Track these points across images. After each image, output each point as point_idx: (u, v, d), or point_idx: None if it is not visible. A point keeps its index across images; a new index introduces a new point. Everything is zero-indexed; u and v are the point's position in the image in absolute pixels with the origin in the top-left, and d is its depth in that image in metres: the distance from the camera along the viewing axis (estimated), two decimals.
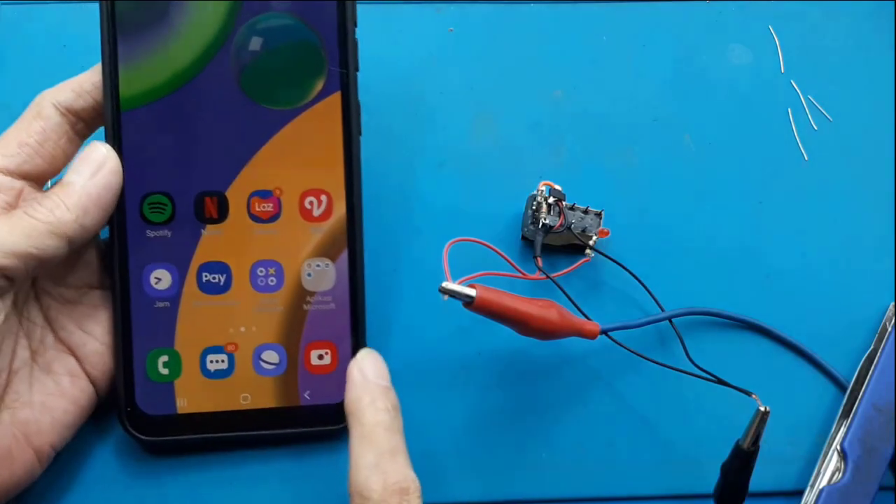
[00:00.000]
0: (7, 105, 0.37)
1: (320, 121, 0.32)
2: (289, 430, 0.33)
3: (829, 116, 0.40)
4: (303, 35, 0.32)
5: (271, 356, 0.33)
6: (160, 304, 0.32)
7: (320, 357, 0.33)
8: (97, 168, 0.30)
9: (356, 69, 0.32)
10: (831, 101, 0.40)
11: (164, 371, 0.32)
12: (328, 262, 0.33)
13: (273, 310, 0.33)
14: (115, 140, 0.31)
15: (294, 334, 0.33)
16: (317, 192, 0.33)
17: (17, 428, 0.30)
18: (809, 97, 0.40)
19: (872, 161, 0.40)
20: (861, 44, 0.41)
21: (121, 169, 0.31)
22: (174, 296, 0.32)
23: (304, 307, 0.33)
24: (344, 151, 0.33)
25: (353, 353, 0.33)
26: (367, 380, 0.31)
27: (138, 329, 0.32)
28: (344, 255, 0.33)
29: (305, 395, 0.33)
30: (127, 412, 0.32)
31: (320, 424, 0.34)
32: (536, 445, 0.36)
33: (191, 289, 0.32)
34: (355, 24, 0.32)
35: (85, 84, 0.31)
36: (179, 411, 0.32)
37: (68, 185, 0.30)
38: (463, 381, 0.36)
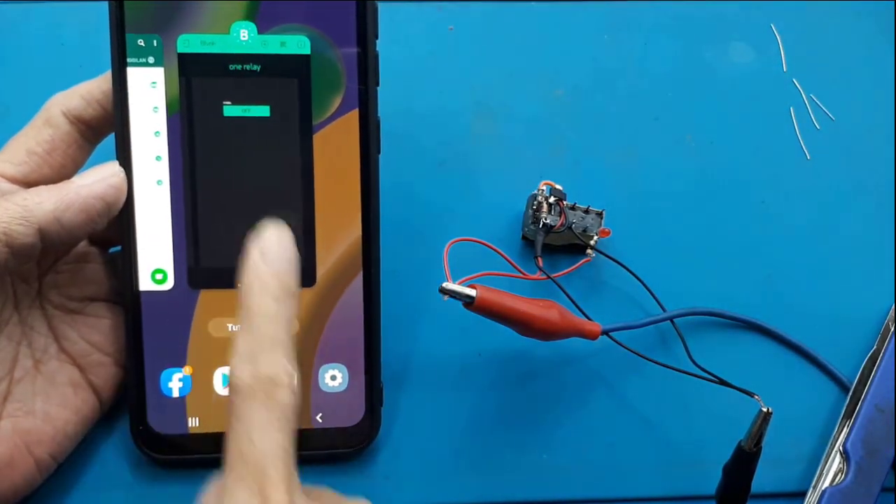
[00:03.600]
0: (5, 103, 0.36)
1: (337, 139, 0.32)
2: (301, 453, 0.33)
3: (831, 115, 0.40)
4: (319, 48, 0.31)
5: None
6: (172, 324, 0.32)
7: (333, 378, 0.33)
8: (101, 178, 0.29)
9: (376, 84, 0.31)
10: (833, 100, 0.40)
11: (176, 390, 0.32)
12: (344, 283, 0.32)
13: None
14: (125, 157, 0.31)
15: (307, 355, 0.33)
16: None
17: (19, 437, 0.30)
18: (812, 96, 0.40)
19: (874, 160, 0.40)
20: (863, 43, 0.41)
21: (124, 187, 0.30)
22: (187, 315, 0.32)
23: (318, 329, 0.33)
24: (361, 171, 0.32)
25: (367, 373, 0.33)
26: (265, 263, 0.27)
27: (150, 348, 0.32)
28: (359, 277, 0.32)
29: (317, 419, 0.33)
30: (139, 430, 0.32)
31: (332, 448, 0.33)
32: (537, 446, 0.36)
33: (203, 308, 0.32)
34: (376, 36, 0.31)
35: (95, 91, 0.30)
36: (191, 431, 0.32)
37: (65, 182, 0.29)
38: (463, 381, 0.36)
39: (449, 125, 0.38)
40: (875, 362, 0.36)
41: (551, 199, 0.35)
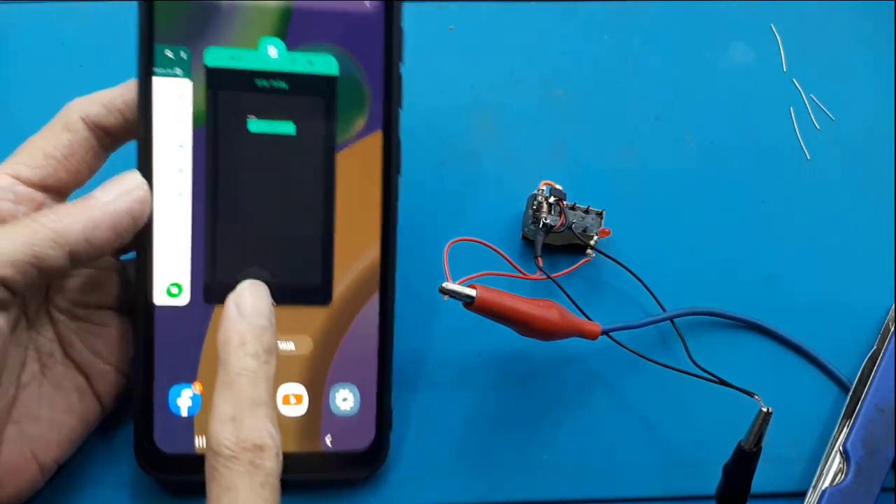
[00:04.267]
0: (5, 103, 0.36)
1: (359, 159, 0.31)
2: (310, 476, 0.32)
3: (831, 115, 0.40)
4: (346, 69, 0.31)
5: (295, 396, 0.32)
6: (185, 339, 0.31)
7: (344, 399, 0.32)
8: (125, 192, 0.29)
9: (399, 107, 0.31)
10: (833, 100, 0.40)
11: (185, 409, 0.31)
12: (360, 302, 0.32)
13: (299, 350, 0.32)
14: (147, 168, 0.30)
15: (319, 374, 0.32)
16: None
17: (25, 443, 0.30)
18: (811, 96, 0.40)
19: (874, 160, 0.40)
20: (863, 43, 0.41)
21: (149, 201, 0.29)
22: (200, 330, 0.31)
23: (331, 348, 0.32)
24: (382, 192, 0.32)
25: (379, 396, 0.32)
26: (242, 317, 0.27)
27: (161, 363, 0.31)
28: (375, 298, 0.32)
29: (327, 441, 0.32)
30: (143, 449, 0.31)
31: (342, 471, 0.33)
32: (537, 446, 0.36)
33: (217, 323, 0.31)
34: (401, 60, 0.31)
35: (117, 101, 0.30)
36: (197, 451, 0.31)
37: (89, 198, 0.28)
38: (463, 381, 0.36)
39: (449, 125, 0.38)
40: (875, 362, 0.36)
41: (551, 199, 0.35)
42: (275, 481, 0.25)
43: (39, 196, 0.30)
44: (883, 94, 0.40)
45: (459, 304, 0.31)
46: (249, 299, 0.28)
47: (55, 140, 0.30)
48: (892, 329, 0.37)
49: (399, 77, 0.31)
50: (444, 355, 0.36)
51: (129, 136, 0.31)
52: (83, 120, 0.30)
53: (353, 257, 0.32)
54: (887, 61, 0.41)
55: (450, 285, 0.30)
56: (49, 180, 0.30)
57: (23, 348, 0.30)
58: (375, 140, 0.31)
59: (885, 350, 0.36)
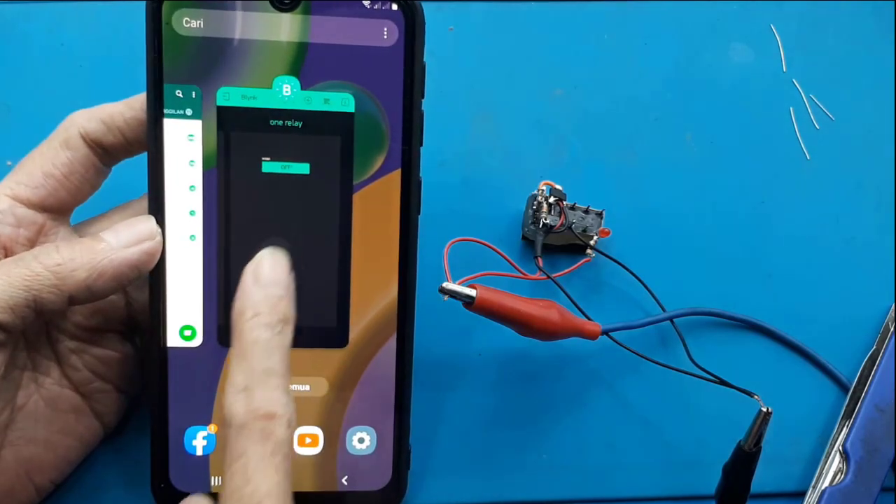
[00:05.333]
0: (6, 103, 0.36)
1: (377, 199, 0.30)
2: None
3: (831, 115, 0.40)
4: (363, 106, 0.30)
5: (310, 437, 0.31)
6: (199, 381, 0.30)
7: (360, 441, 0.32)
8: (136, 241, 0.28)
9: (420, 144, 0.30)
10: (833, 101, 0.40)
11: (200, 449, 0.31)
12: (377, 344, 0.31)
13: (315, 392, 0.31)
14: (158, 211, 0.29)
15: (336, 416, 0.31)
16: None
17: (21, 466, 0.29)
18: (811, 96, 0.40)
19: (874, 160, 0.40)
20: (863, 43, 0.41)
21: (159, 251, 0.29)
22: (214, 372, 0.31)
23: (348, 391, 0.32)
24: (400, 233, 0.31)
25: (396, 437, 0.32)
26: (258, 287, 0.27)
27: (176, 405, 0.30)
28: (392, 340, 0.31)
29: (343, 481, 0.32)
30: (160, 488, 0.31)
31: None
32: (537, 446, 0.36)
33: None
34: (422, 96, 0.30)
35: (117, 118, 0.29)
36: (214, 490, 0.31)
37: (98, 241, 0.28)
38: (463, 381, 0.36)
39: (449, 125, 0.38)
40: (875, 362, 0.36)
41: (551, 199, 0.35)
42: (286, 450, 0.25)
43: (40, 218, 0.29)
44: (883, 94, 0.40)
45: (459, 304, 0.31)
46: (267, 268, 0.27)
47: (54, 158, 0.29)
48: (892, 329, 0.37)
49: (420, 114, 0.30)
50: (444, 355, 0.36)
51: (128, 154, 0.30)
52: (82, 137, 0.29)
53: (370, 299, 0.31)
54: (887, 61, 0.41)
55: (450, 285, 0.30)
56: (49, 200, 0.29)
57: (19, 370, 0.30)
58: (394, 179, 0.31)
59: (885, 350, 0.36)
